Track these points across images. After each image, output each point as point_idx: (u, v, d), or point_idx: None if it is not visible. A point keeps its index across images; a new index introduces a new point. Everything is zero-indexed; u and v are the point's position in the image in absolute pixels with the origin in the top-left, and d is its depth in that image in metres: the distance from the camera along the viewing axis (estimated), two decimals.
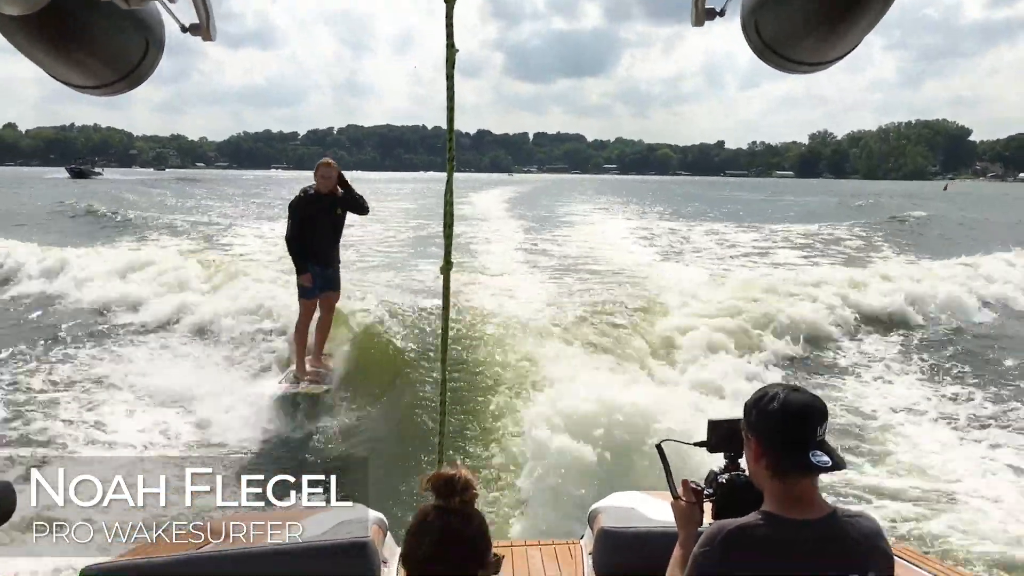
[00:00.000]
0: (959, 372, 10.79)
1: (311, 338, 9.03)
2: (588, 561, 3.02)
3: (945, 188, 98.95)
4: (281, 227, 9.15)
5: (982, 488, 7.06)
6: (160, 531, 4.89)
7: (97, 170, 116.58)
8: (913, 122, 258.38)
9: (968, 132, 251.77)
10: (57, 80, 1.95)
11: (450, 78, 3.42)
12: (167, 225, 27.31)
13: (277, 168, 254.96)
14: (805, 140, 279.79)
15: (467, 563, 1.87)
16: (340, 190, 8.40)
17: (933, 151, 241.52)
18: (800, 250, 24.37)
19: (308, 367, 8.92)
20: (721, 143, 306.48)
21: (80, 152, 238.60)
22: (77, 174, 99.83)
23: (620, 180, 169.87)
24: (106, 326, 11.91)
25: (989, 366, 11.07)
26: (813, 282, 14.32)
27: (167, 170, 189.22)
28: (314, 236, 8.36)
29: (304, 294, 8.57)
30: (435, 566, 1.84)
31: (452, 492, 1.89)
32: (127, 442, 7.86)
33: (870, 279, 14.70)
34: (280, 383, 8.82)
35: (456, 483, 1.90)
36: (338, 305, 9.11)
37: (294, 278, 8.68)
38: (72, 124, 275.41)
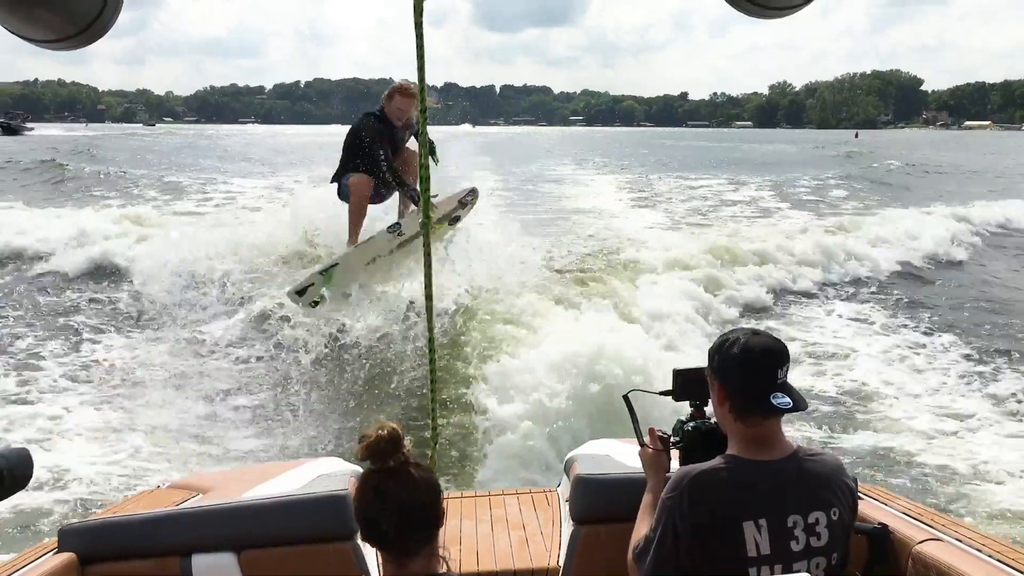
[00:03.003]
0: (924, 319, 10.93)
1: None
2: (565, 508, 3.03)
3: (856, 135, 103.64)
4: None
5: (949, 429, 7.19)
6: (142, 488, 4.90)
7: (29, 126, 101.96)
8: (868, 72, 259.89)
9: (920, 82, 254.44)
10: (13, 34, 1.86)
11: (419, 26, 3.29)
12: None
13: (247, 122, 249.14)
14: (766, 91, 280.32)
15: (430, 527, 1.83)
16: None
17: (885, 101, 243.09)
18: (767, 200, 24.38)
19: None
20: (685, 95, 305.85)
21: (49, 107, 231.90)
22: (6, 129, 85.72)
23: (586, 132, 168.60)
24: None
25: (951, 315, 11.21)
26: (783, 233, 14.46)
27: (158, 125, 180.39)
28: (376, 164, 7.60)
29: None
30: (401, 542, 1.80)
31: (386, 454, 1.80)
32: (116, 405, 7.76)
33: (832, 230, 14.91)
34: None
35: (383, 444, 1.80)
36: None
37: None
38: (36, 79, 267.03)
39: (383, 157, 7.63)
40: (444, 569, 1.86)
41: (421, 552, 1.81)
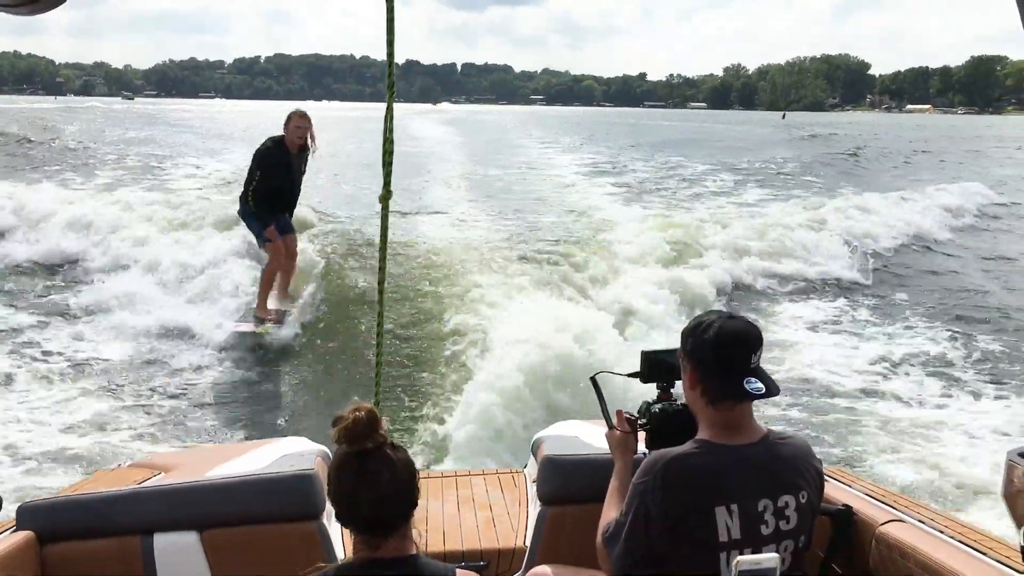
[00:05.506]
0: (884, 305, 11.02)
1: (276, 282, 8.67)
2: (532, 489, 2.99)
3: (783, 117, 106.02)
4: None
5: (912, 413, 7.25)
6: (103, 467, 4.76)
7: None
8: (818, 56, 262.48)
9: (868, 66, 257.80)
10: None
11: (390, 11, 3.25)
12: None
13: (208, 97, 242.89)
14: (721, 73, 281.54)
15: (407, 508, 1.78)
16: (312, 145, 8.03)
17: (833, 84, 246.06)
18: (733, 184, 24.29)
19: (270, 306, 8.54)
20: (643, 75, 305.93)
21: (7, 80, 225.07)
22: None
23: (545, 111, 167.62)
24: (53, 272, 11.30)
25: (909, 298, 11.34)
26: (752, 216, 14.50)
27: (136, 99, 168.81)
28: (278, 188, 7.95)
29: (269, 239, 8.15)
30: (378, 525, 1.74)
31: (364, 436, 1.73)
32: (76, 384, 7.53)
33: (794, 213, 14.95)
34: (237, 323, 8.48)
35: (361, 426, 1.73)
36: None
37: (242, 227, 8.37)
38: None
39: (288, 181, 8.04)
40: (415, 551, 1.80)
41: (395, 534, 1.76)
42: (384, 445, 1.75)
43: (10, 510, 2.64)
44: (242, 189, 8.10)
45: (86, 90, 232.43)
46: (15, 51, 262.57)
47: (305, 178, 8.44)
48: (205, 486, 2.70)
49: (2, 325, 8.92)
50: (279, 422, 6.77)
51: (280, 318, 8.43)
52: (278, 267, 8.45)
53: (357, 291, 8.62)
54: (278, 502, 2.63)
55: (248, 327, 8.32)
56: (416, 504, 1.79)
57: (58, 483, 5.32)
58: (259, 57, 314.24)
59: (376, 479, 1.72)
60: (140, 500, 2.65)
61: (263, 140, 8.12)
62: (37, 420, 6.60)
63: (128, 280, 10.23)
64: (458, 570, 1.84)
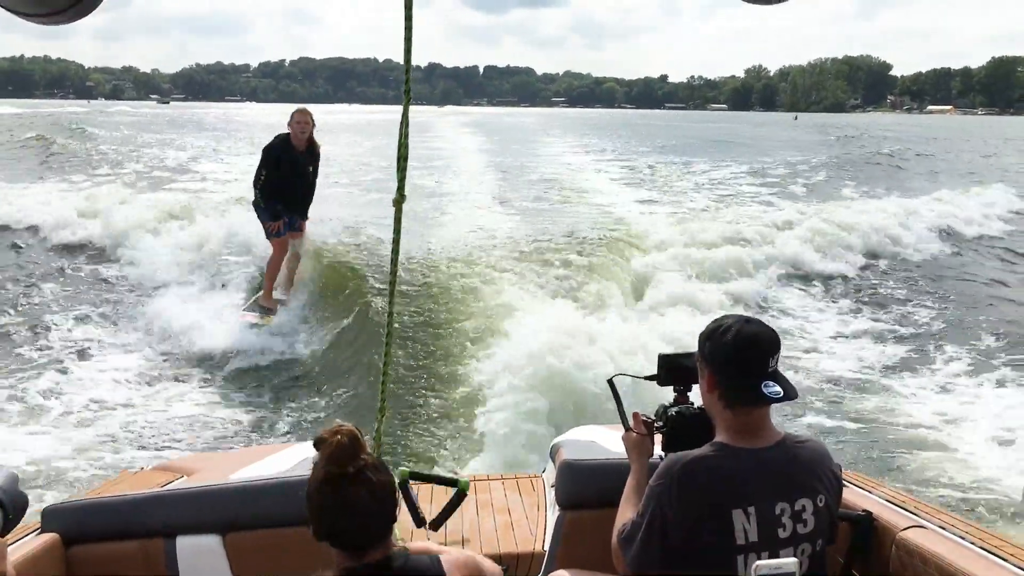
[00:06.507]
0: (906, 306, 10.91)
1: (281, 274, 8.98)
2: (550, 493, 2.98)
3: (796, 118, 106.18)
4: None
5: (932, 420, 7.12)
6: (125, 470, 4.80)
7: None
8: (839, 57, 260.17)
9: (889, 67, 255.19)
10: (3, 7, 1.74)
11: (409, 9, 3.24)
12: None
13: (234, 100, 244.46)
14: (743, 74, 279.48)
15: (387, 526, 1.78)
16: (317, 144, 8.34)
17: (854, 85, 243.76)
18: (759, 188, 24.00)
19: (275, 298, 8.87)
20: (665, 77, 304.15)
21: (38, 84, 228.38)
22: None
23: (567, 113, 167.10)
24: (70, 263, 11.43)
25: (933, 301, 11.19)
26: (776, 222, 14.32)
27: (171, 103, 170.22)
28: (285, 184, 8.21)
29: (275, 234, 8.48)
30: (359, 543, 1.74)
31: (346, 461, 1.72)
32: (91, 379, 7.60)
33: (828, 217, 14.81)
34: (244, 311, 8.76)
35: (344, 451, 1.72)
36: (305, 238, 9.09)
37: (254, 215, 8.62)
38: (22, 55, 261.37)
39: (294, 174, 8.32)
40: (396, 549, 1.81)
41: (377, 546, 1.76)
42: (366, 468, 1.74)
43: (34, 512, 2.66)
44: (253, 182, 8.40)
45: (115, 94, 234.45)
46: (45, 56, 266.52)
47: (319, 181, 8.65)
48: (227, 489, 2.71)
49: (18, 327, 9.00)
50: (298, 426, 6.77)
51: (283, 305, 8.76)
52: (281, 260, 8.73)
53: (374, 294, 8.62)
54: (300, 505, 2.62)
55: (254, 317, 8.57)
56: (395, 519, 1.80)
57: (82, 486, 5.36)
58: (284, 61, 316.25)
59: (355, 504, 1.72)
60: (164, 503, 2.67)
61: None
62: (60, 422, 6.66)
63: (144, 280, 10.40)
64: (442, 557, 1.85)
